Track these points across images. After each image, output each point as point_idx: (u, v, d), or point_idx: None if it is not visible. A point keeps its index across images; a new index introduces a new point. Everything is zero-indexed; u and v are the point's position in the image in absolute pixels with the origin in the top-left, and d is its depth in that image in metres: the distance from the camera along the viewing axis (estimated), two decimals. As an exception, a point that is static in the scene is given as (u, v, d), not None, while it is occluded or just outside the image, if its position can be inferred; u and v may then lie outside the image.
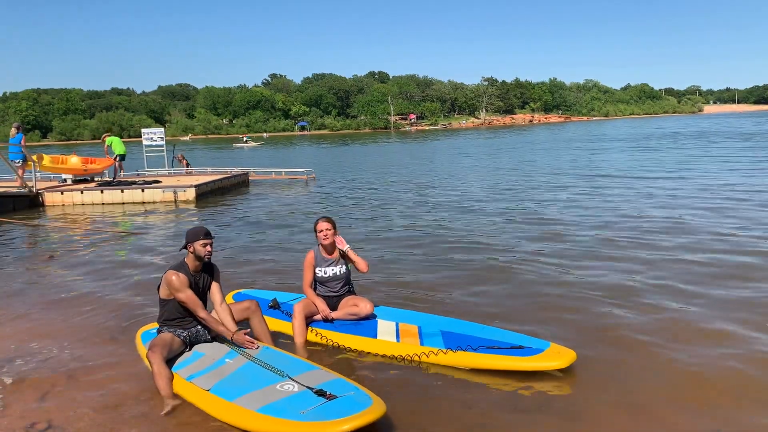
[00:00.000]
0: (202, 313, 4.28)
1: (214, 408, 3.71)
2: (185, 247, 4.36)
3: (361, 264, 5.12)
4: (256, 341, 4.36)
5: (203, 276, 4.45)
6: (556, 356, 4.31)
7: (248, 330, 4.49)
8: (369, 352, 4.70)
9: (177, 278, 4.25)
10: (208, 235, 4.35)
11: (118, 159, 18.07)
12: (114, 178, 17.56)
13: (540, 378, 4.20)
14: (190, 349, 4.39)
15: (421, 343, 4.62)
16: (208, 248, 4.33)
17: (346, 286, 5.20)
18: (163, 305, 4.38)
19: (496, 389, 4.07)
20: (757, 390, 3.97)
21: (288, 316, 5.17)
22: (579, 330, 5.13)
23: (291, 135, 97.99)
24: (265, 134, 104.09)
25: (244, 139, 68.43)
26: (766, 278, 6.39)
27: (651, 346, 4.72)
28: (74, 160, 17.06)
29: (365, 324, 5.00)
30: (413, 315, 5.22)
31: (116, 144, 18.22)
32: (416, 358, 4.52)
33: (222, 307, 4.44)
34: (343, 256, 5.14)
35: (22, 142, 15.02)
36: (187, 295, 4.25)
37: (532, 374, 4.24)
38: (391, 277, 7.02)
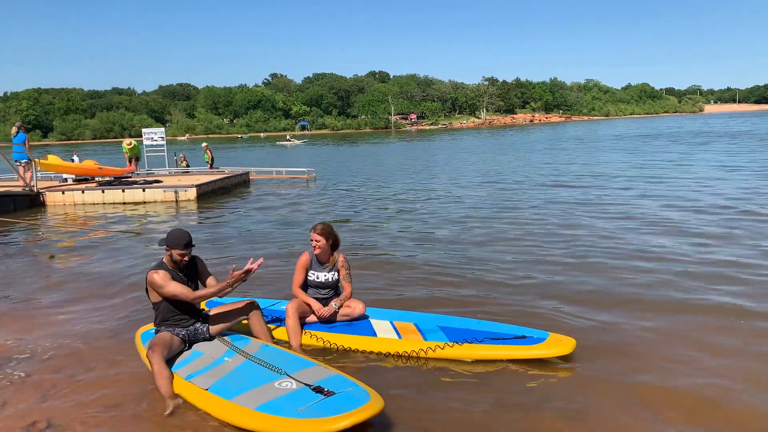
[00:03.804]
0: (193, 295, 4.25)
1: (213, 407, 3.72)
2: (165, 246, 4.33)
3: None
4: (246, 274, 4.27)
5: (184, 275, 4.43)
6: (558, 344, 4.39)
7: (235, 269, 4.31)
8: (371, 351, 4.67)
9: (158, 276, 4.24)
10: (187, 246, 4.30)
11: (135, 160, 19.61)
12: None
13: (540, 376, 4.23)
14: (189, 348, 4.40)
15: (425, 339, 4.64)
16: (186, 258, 4.34)
17: (333, 290, 5.17)
18: (156, 308, 4.38)
19: (496, 387, 4.08)
20: (761, 388, 3.98)
21: (274, 320, 5.11)
22: (575, 325, 5.15)
23: (291, 135, 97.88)
24: (262, 134, 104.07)
25: (288, 137, 68.88)
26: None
27: (650, 343, 4.74)
28: (85, 162, 17.48)
29: (360, 324, 4.99)
30: (405, 314, 5.23)
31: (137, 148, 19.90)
32: (422, 354, 4.52)
33: (211, 280, 4.51)
34: (338, 270, 5.11)
35: (26, 143, 15.02)
36: (174, 287, 4.23)
37: (532, 372, 4.27)
38: (383, 277, 7.02)
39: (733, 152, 24.58)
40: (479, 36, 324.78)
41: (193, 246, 4.38)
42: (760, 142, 30.52)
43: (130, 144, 20.13)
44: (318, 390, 3.56)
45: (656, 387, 4.02)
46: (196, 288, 4.47)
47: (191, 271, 4.50)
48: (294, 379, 3.75)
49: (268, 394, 3.61)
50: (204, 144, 23.16)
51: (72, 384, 4.36)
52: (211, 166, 21.77)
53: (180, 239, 4.28)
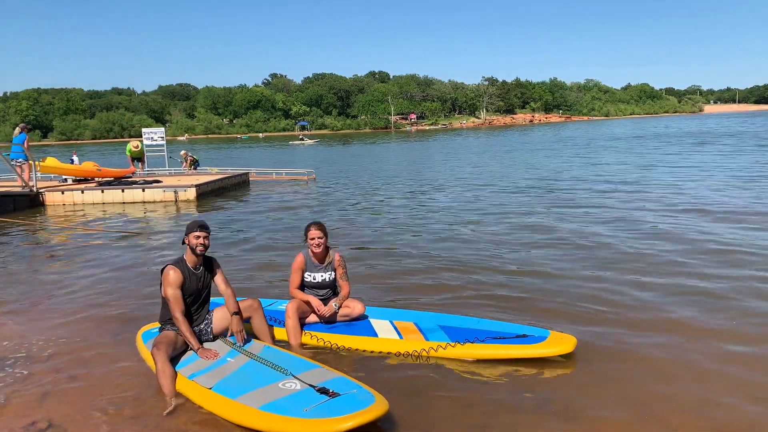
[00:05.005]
0: (178, 315, 4.25)
1: (216, 406, 3.70)
2: (184, 241, 4.40)
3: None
4: (218, 354, 4.25)
5: (203, 271, 4.46)
6: (559, 342, 4.38)
7: (212, 351, 4.28)
8: (371, 351, 4.64)
9: (173, 273, 4.27)
10: (202, 227, 4.35)
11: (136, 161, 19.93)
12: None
13: (540, 375, 4.21)
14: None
15: (426, 338, 4.61)
16: (201, 240, 4.33)
17: (331, 290, 5.12)
18: (165, 304, 4.37)
19: (497, 388, 4.06)
20: (761, 388, 3.95)
21: (272, 320, 5.07)
22: (576, 323, 5.14)
23: (291, 135, 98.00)
24: (261, 135, 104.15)
25: (300, 137, 69.22)
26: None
27: (651, 341, 4.71)
28: (82, 164, 17.43)
29: (360, 324, 4.95)
30: (404, 313, 5.20)
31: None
32: (424, 353, 4.49)
33: (227, 292, 4.53)
34: (334, 269, 5.04)
35: (25, 143, 15.00)
36: (174, 294, 4.25)
37: (533, 371, 4.25)
38: (379, 277, 6.99)
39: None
40: (479, 36, 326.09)
41: (209, 231, 4.42)
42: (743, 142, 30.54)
43: (137, 147, 20.13)
44: (323, 391, 3.55)
45: (657, 386, 4.00)
46: (209, 283, 4.52)
47: (208, 268, 4.52)
48: (299, 379, 3.73)
49: (272, 394, 3.60)
50: (183, 152, 22.87)
51: (72, 384, 4.34)
52: (195, 167, 21.71)
53: (195, 222, 4.39)
